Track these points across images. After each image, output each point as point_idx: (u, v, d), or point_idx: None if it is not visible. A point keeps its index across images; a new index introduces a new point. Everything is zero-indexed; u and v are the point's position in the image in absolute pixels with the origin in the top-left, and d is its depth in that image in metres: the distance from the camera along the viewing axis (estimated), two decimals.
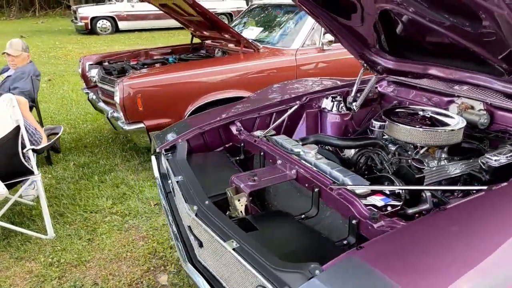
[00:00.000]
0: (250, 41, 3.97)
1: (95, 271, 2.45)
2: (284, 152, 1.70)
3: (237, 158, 2.00)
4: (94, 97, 4.24)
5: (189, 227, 1.53)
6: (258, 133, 1.96)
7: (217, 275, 1.43)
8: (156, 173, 2.20)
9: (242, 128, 2.05)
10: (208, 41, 4.99)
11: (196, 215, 1.40)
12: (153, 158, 2.25)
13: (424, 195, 1.50)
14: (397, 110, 1.97)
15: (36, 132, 2.79)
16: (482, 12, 1.24)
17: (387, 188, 1.40)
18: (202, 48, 5.06)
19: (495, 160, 1.54)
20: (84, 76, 4.57)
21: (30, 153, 2.61)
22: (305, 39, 3.97)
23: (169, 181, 1.97)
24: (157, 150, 1.97)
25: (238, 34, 3.90)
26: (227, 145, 2.15)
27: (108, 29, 15.20)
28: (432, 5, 1.44)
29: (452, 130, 1.74)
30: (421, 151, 1.80)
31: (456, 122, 1.81)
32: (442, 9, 1.43)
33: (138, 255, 2.57)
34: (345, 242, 1.32)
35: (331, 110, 2.33)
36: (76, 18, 15.19)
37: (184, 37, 14.65)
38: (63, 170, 3.78)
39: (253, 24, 4.76)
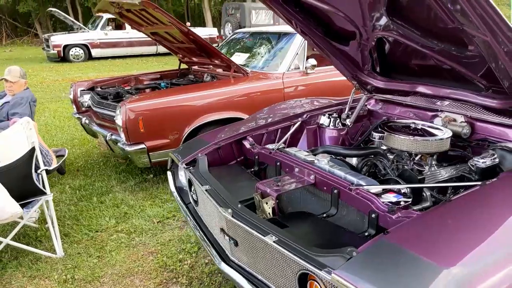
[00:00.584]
0: (239, 66, 4.23)
1: (109, 286, 2.54)
2: (300, 161, 1.92)
3: (252, 169, 2.20)
4: (87, 121, 4.34)
5: (222, 229, 1.70)
6: (270, 146, 2.17)
7: (252, 271, 1.60)
8: (173, 187, 2.36)
9: (254, 143, 2.26)
10: (195, 67, 5.21)
11: (232, 216, 1.57)
12: (169, 173, 2.42)
13: (424, 194, 1.75)
14: (391, 123, 2.24)
15: (48, 153, 2.89)
16: (468, 38, 1.53)
17: (397, 187, 1.63)
18: (189, 73, 5.27)
19: (483, 163, 1.81)
20: (75, 101, 4.67)
21: (44, 174, 2.71)
22: (290, 64, 4.27)
23: (191, 193, 2.14)
24: (179, 165, 2.13)
25: (229, 60, 4.14)
26: (238, 159, 2.34)
27: (81, 57, 15.28)
28: (425, 33, 1.72)
29: (441, 139, 2.01)
30: (416, 158, 2.06)
31: (444, 133, 2.09)
32: (433, 37, 1.71)
33: (149, 269, 2.68)
34: (366, 233, 1.53)
35: (329, 126, 2.58)
36: (48, 46, 15.17)
37: (157, 64, 14.88)
38: (60, 193, 3.83)
39: (239, 50, 5.04)
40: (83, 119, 4.43)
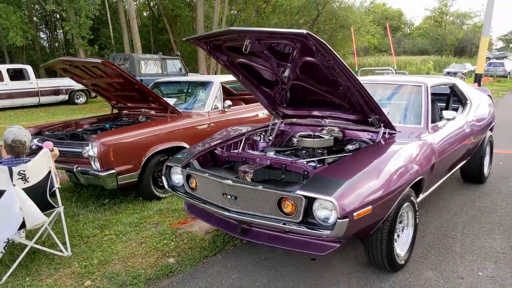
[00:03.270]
0: (174, 107, 5.47)
1: (121, 265, 3.49)
2: (258, 155, 3.31)
3: (224, 166, 3.51)
4: None
5: (223, 194, 2.97)
6: (234, 151, 3.52)
7: (246, 211, 2.89)
8: (167, 186, 3.52)
9: (223, 150, 3.58)
10: (125, 111, 6.25)
11: (233, 182, 2.87)
12: (163, 178, 3.57)
13: (326, 164, 3.28)
14: (302, 134, 3.78)
15: (56, 176, 3.70)
16: (339, 83, 3.15)
17: (313, 159, 3.13)
18: (120, 117, 6.25)
19: (351, 147, 3.43)
20: None
21: (57, 191, 3.57)
22: (212, 105, 5.68)
23: (188, 184, 3.34)
24: (179, 167, 3.33)
25: (166, 103, 5.36)
26: (211, 163, 3.63)
27: None
28: (318, 81, 3.32)
29: (329, 139, 3.61)
30: (318, 151, 3.61)
31: (329, 137, 3.70)
32: (322, 83, 3.31)
33: (145, 252, 3.69)
34: (303, 183, 2.97)
35: (260, 140, 4.03)
36: None
37: (45, 114, 14.82)
38: None
39: (165, 95, 6.28)
40: None
